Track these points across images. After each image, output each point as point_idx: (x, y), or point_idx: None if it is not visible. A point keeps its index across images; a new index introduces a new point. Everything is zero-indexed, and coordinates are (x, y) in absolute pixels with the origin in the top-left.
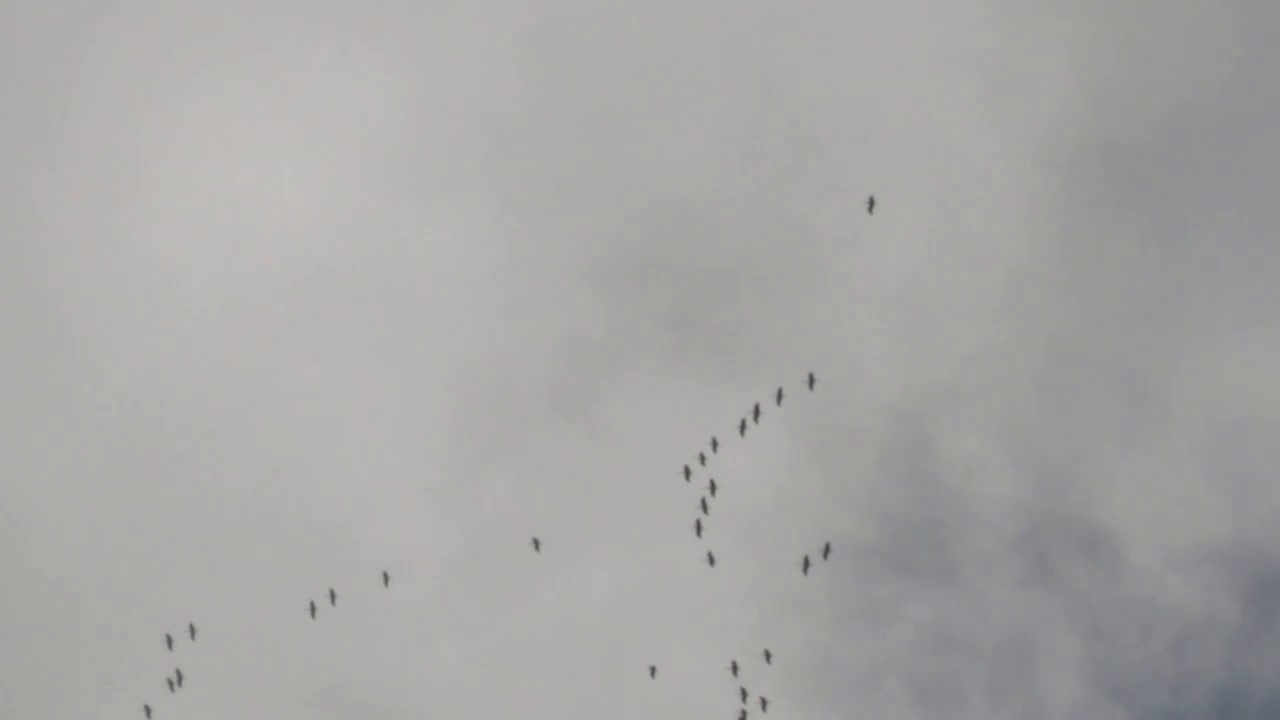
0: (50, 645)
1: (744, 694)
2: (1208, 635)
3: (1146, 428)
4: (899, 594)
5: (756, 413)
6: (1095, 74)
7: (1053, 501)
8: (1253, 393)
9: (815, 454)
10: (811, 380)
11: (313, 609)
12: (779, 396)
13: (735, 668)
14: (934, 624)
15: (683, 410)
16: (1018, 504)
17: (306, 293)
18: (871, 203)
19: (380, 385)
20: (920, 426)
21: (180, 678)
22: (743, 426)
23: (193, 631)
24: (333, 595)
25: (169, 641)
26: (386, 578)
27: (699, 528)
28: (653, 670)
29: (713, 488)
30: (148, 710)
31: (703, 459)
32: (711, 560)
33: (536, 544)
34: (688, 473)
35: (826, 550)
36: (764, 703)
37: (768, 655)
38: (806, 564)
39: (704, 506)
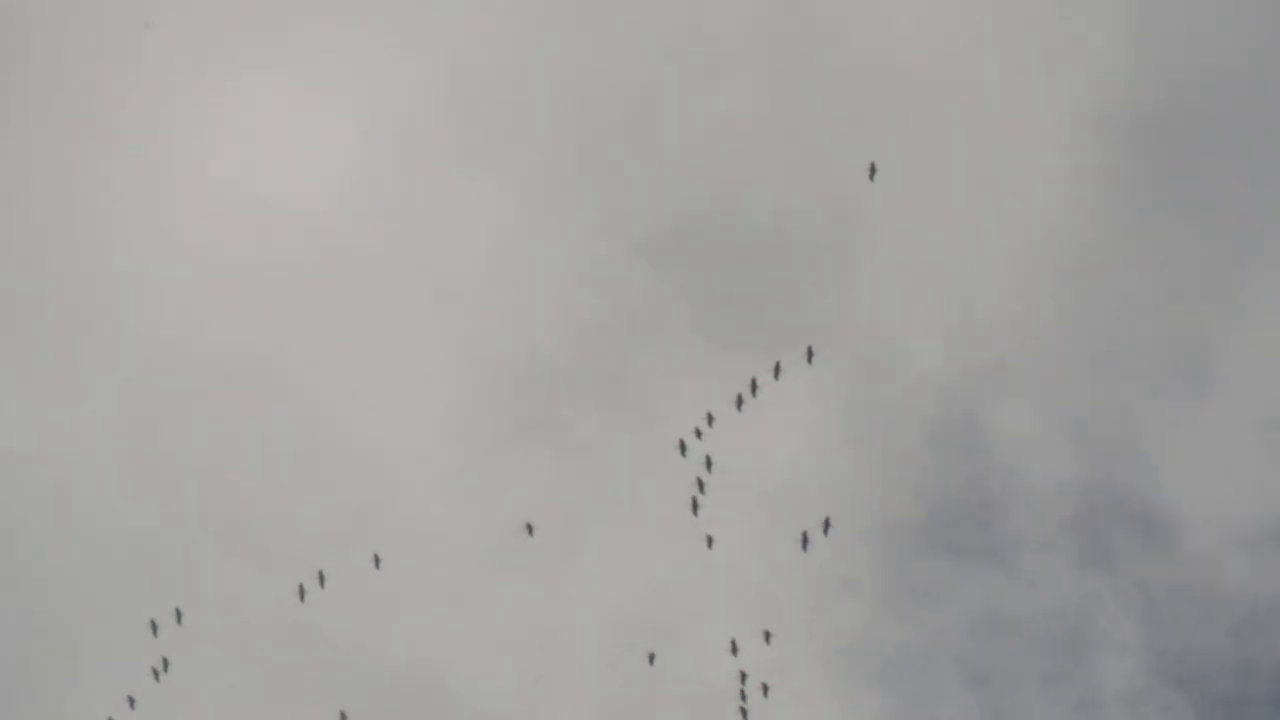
0: (61, 627)
1: (743, 676)
2: (1269, 618)
3: (1203, 403)
4: (949, 575)
5: (754, 387)
6: (1147, 41)
7: (1107, 480)
8: None
9: (861, 432)
10: (810, 353)
11: (301, 592)
12: (776, 370)
13: (734, 647)
14: (985, 606)
15: (720, 388)
16: (1070, 483)
17: (333, 269)
18: (873, 169)
19: (406, 363)
20: (969, 403)
21: (166, 664)
22: (739, 402)
23: (179, 616)
24: (321, 578)
25: (154, 628)
26: (377, 560)
27: (695, 505)
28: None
29: (709, 463)
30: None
31: (698, 433)
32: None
33: (530, 529)
34: (683, 447)
35: (826, 526)
36: (765, 688)
37: (767, 635)
38: (805, 540)
39: (699, 485)
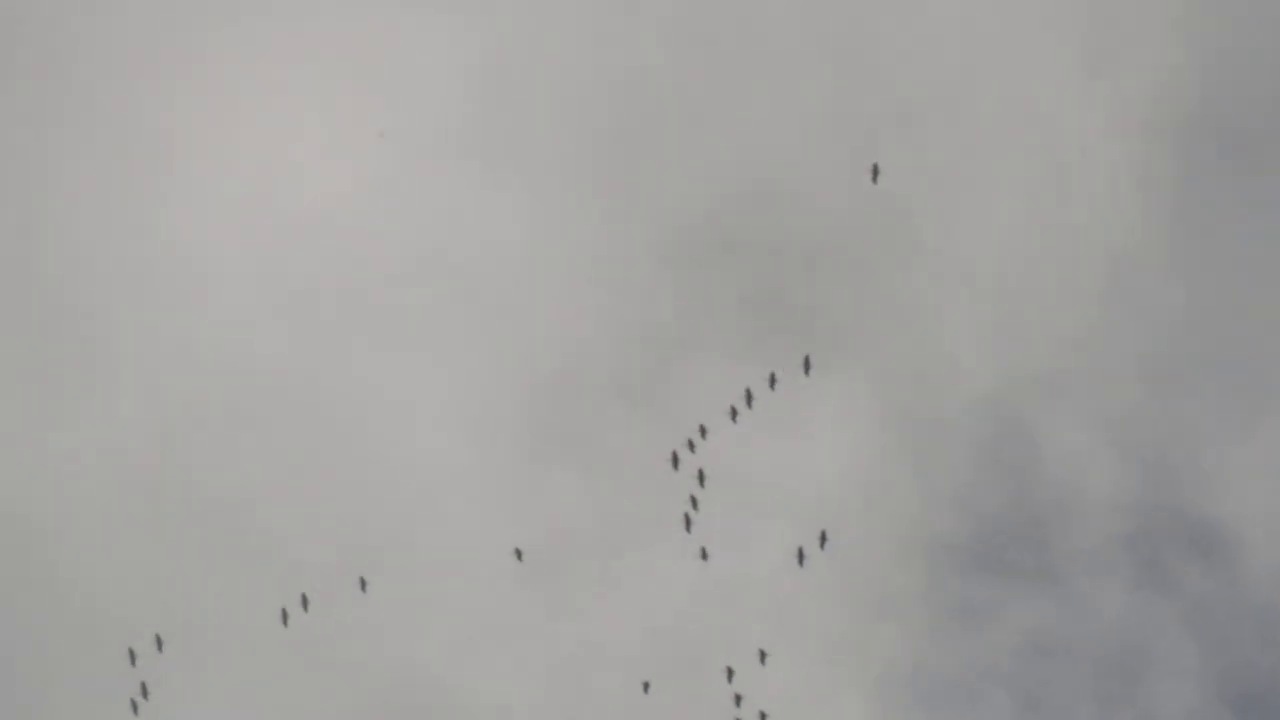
0: (72, 648)
1: (738, 700)
2: None
3: (1264, 416)
4: (998, 597)
5: (749, 398)
6: (1206, 40)
7: (1163, 496)
8: None
9: (905, 448)
10: (807, 364)
11: (285, 616)
12: (772, 381)
13: (730, 673)
14: (1036, 629)
15: (760, 400)
16: (1125, 499)
17: (358, 278)
18: (875, 171)
19: (435, 376)
20: (1018, 417)
21: (146, 692)
22: (734, 414)
23: (159, 643)
24: (305, 601)
25: (131, 657)
26: (364, 583)
27: (687, 522)
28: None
29: (701, 477)
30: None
31: (692, 445)
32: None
33: (519, 554)
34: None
35: (823, 540)
36: (762, 716)
37: (762, 655)
38: (801, 556)
39: (692, 503)
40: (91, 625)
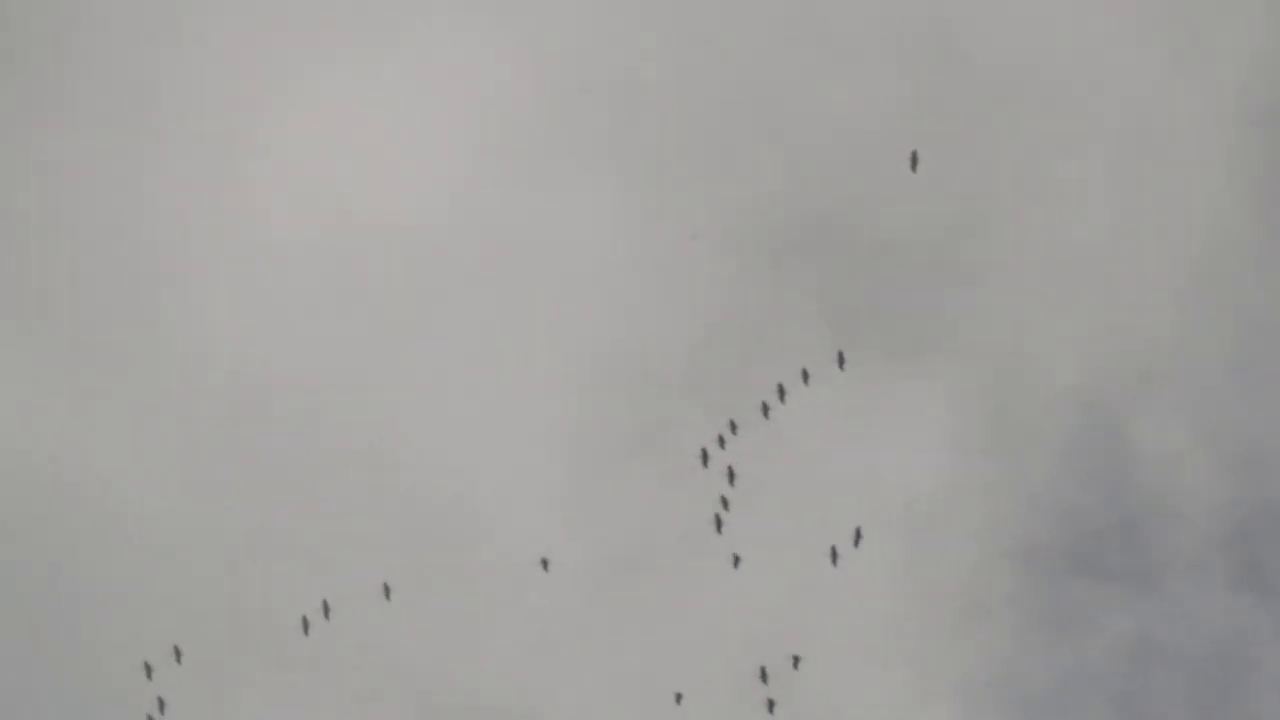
0: (88, 662)
1: (771, 705)
2: None
3: None
4: (1091, 601)
5: (782, 393)
6: None
7: (1263, 495)
8: None
9: (991, 447)
10: (841, 359)
11: (305, 625)
12: (805, 377)
13: (764, 674)
14: (1132, 633)
15: (840, 401)
16: (1223, 499)
17: (424, 277)
18: (914, 159)
19: (503, 376)
20: (1111, 415)
21: (162, 706)
22: (765, 409)
23: (178, 655)
24: (326, 609)
25: (148, 671)
26: (388, 590)
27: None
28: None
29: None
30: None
31: (722, 442)
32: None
33: (545, 564)
34: (703, 458)
35: (857, 537)
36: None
37: (795, 660)
38: (835, 554)
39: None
40: (107, 640)
